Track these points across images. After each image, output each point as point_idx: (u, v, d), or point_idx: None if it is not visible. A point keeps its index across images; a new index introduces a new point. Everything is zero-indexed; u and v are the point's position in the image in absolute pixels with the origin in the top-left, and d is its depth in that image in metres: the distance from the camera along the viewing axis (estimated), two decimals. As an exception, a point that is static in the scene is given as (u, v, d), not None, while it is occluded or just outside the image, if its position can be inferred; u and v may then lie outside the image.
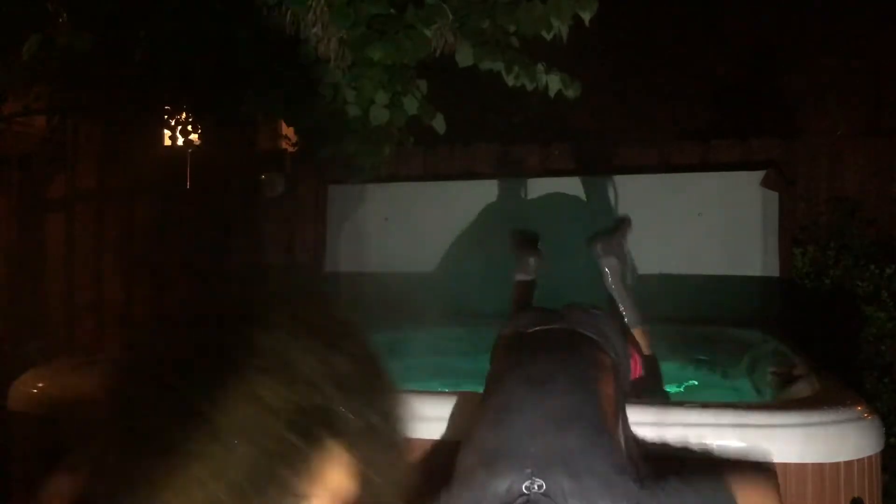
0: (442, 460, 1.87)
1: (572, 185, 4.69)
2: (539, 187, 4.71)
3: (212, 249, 5.50)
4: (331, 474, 0.64)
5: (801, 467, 1.68)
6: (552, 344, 1.81)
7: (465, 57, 3.17)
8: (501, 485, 1.33)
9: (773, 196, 4.22)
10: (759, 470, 1.59)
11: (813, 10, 6.39)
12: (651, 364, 2.44)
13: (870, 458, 1.74)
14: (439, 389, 2.42)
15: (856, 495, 1.70)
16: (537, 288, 2.88)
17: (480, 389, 1.80)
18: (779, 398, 2.17)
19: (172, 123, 4.72)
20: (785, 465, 1.68)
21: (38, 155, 5.59)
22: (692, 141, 4.98)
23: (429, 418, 1.87)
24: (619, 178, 4.68)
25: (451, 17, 3.03)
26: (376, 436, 0.69)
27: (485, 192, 4.76)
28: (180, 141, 4.78)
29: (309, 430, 0.62)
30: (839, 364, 2.82)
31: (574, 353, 1.75)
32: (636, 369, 2.22)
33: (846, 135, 5.59)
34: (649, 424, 1.75)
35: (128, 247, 5.63)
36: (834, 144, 4.80)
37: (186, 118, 4.55)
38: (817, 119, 6.44)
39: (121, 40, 3.38)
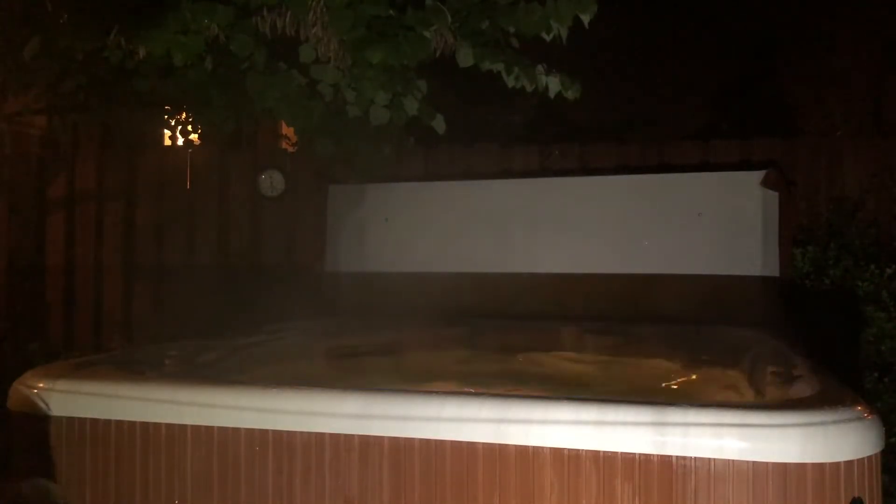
0: (441, 461, 1.87)
1: (572, 186, 4.69)
2: (539, 187, 4.71)
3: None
4: None
5: (801, 467, 1.68)
6: None
7: (465, 58, 3.17)
8: None
9: (773, 196, 4.22)
10: None
11: (813, 11, 6.39)
12: None
13: (870, 458, 1.74)
14: (437, 390, 2.42)
15: (856, 495, 1.70)
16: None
17: (477, 389, 1.80)
18: (779, 398, 2.16)
19: (172, 123, 4.71)
20: (785, 465, 1.69)
21: (38, 155, 5.59)
22: (692, 141, 4.98)
23: (428, 418, 1.88)
24: (619, 179, 4.68)
25: (449, 19, 3.03)
26: None
27: (485, 192, 4.75)
28: (180, 141, 4.78)
29: None
30: (839, 364, 2.81)
31: None
32: None
33: (846, 135, 5.59)
34: (649, 424, 1.75)
35: (128, 247, 5.63)
36: (834, 144, 4.80)
37: (186, 118, 4.55)
38: (817, 119, 6.44)
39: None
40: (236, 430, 2.00)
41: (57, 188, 5.63)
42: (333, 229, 4.97)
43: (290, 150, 5.69)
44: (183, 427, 2.04)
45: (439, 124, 3.43)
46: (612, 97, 7.02)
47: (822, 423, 1.71)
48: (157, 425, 2.06)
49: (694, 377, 3.37)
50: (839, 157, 4.70)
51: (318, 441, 1.95)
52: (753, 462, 1.69)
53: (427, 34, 3.07)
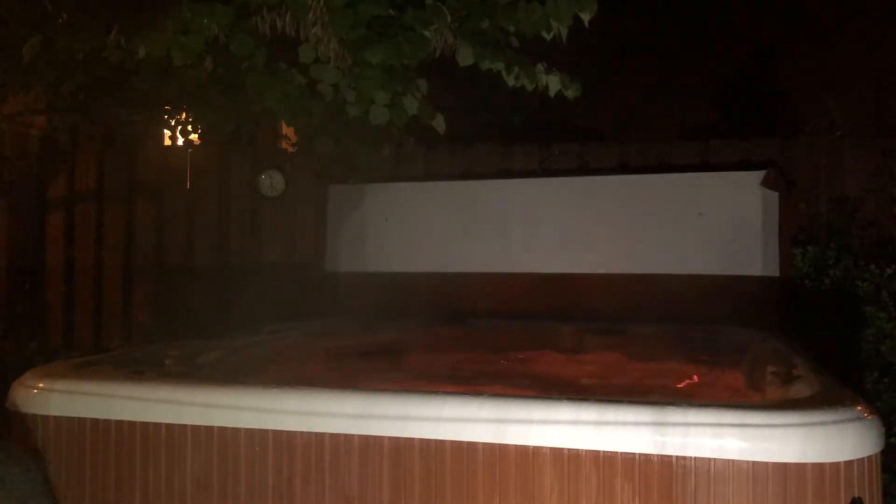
0: (441, 461, 1.87)
1: (572, 185, 4.69)
2: (539, 187, 4.71)
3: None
4: None
5: (801, 467, 1.68)
6: None
7: (465, 57, 3.17)
8: None
9: (773, 196, 4.22)
10: None
11: (813, 12, 6.39)
12: None
13: (870, 458, 1.74)
14: (436, 390, 2.42)
15: (856, 495, 1.70)
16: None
17: (477, 389, 1.80)
18: (779, 398, 2.16)
19: (172, 123, 4.71)
20: (785, 465, 1.69)
21: (38, 155, 5.59)
22: (692, 141, 4.98)
23: (428, 418, 1.88)
24: (619, 179, 4.69)
25: (449, 18, 3.03)
26: None
27: (485, 192, 4.75)
28: (180, 141, 4.78)
29: None
30: (839, 364, 2.82)
31: None
32: None
33: (846, 135, 5.59)
34: (649, 424, 1.75)
35: (128, 247, 5.62)
36: (834, 144, 4.80)
37: (186, 118, 4.55)
38: (817, 119, 6.45)
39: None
40: (236, 430, 2.00)
41: (57, 188, 5.63)
42: (333, 229, 4.98)
43: (290, 150, 5.69)
44: (183, 427, 2.04)
45: (439, 124, 3.43)
46: (613, 97, 7.02)
47: (822, 423, 1.71)
48: (157, 425, 2.06)
49: (694, 377, 3.37)
50: (839, 157, 4.70)
51: (318, 441, 1.95)
52: (753, 462, 1.69)
53: (427, 34, 3.06)
